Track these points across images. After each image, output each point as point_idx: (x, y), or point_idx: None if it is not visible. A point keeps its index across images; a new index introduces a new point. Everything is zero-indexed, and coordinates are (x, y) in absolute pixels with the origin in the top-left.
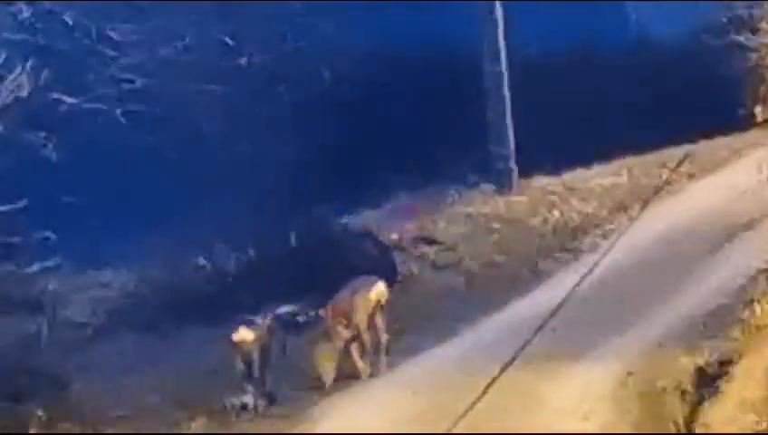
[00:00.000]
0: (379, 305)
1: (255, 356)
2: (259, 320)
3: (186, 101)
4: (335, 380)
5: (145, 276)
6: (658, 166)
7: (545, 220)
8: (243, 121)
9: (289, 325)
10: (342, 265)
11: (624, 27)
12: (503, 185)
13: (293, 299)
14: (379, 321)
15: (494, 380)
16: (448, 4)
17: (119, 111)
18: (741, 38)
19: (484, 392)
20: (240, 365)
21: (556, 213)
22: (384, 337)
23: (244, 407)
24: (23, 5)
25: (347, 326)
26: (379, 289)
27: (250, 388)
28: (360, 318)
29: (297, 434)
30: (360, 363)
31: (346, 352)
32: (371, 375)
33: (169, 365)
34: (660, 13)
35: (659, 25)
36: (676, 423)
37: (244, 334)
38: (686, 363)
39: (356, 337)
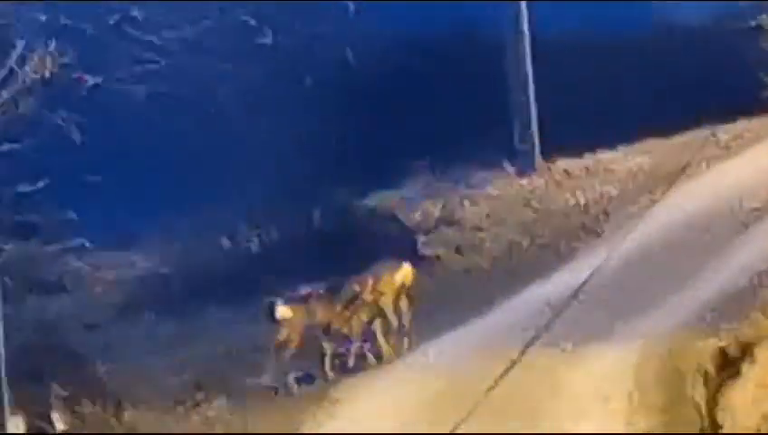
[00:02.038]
0: (403, 287)
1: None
2: (302, 292)
3: (209, 81)
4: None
5: (167, 257)
6: (681, 148)
7: (568, 202)
8: (266, 103)
9: None
10: (364, 246)
11: (647, 8)
12: (526, 167)
13: (316, 280)
14: (404, 303)
15: (514, 362)
16: None
17: (142, 92)
18: (765, 18)
19: (504, 374)
20: (280, 341)
21: (579, 195)
22: (407, 319)
23: (271, 387)
24: None
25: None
26: (405, 271)
27: (269, 367)
28: (386, 300)
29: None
30: (384, 344)
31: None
32: (394, 356)
33: (191, 345)
34: None
35: (683, 7)
36: (697, 405)
37: (284, 312)
38: (708, 346)
39: (375, 318)
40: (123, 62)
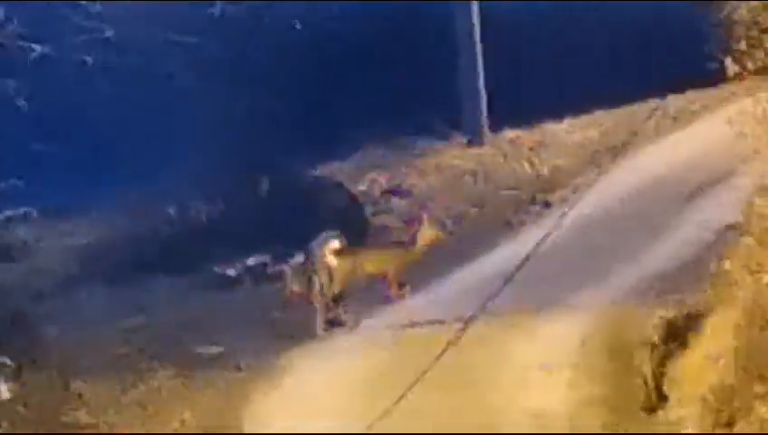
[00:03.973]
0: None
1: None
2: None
3: (157, 51)
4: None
5: (115, 226)
6: (629, 119)
7: (516, 173)
8: (214, 73)
9: (258, 276)
10: (312, 217)
11: None
12: (474, 137)
13: (263, 250)
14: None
15: (460, 332)
16: None
17: (89, 61)
18: None
19: (450, 344)
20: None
21: (527, 166)
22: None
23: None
24: None
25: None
26: (333, 246)
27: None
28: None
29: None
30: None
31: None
32: (337, 327)
33: (138, 316)
34: None
35: None
36: (643, 376)
37: (330, 260)
38: (655, 316)
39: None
40: (70, 31)
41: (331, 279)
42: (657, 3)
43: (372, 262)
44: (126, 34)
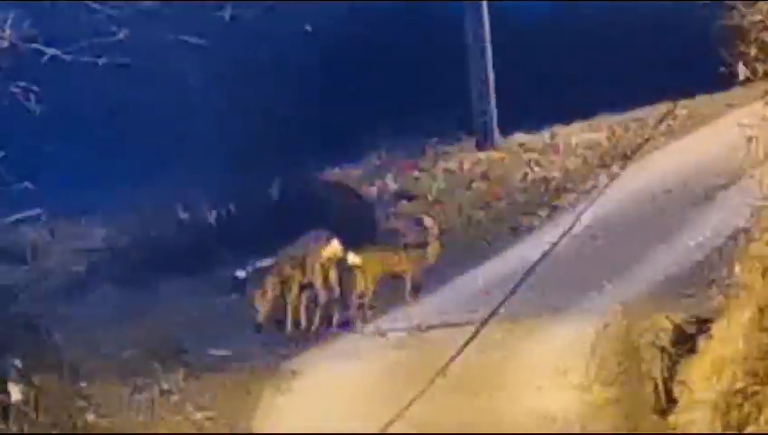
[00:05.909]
0: (333, 262)
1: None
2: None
3: (168, 53)
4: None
5: (125, 229)
6: (639, 124)
7: (526, 177)
8: (225, 76)
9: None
10: (323, 219)
11: None
12: (484, 141)
13: (273, 253)
14: (333, 275)
15: (472, 336)
16: None
17: (100, 63)
18: None
19: (463, 348)
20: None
21: (537, 169)
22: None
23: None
24: None
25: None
26: (333, 247)
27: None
28: (316, 273)
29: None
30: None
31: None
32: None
33: (148, 318)
34: None
35: None
36: (653, 380)
37: (353, 259)
38: (665, 321)
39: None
40: (82, 33)
41: (354, 278)
42: (669, 6)
43: (395, 261)
44: (137, 36)
